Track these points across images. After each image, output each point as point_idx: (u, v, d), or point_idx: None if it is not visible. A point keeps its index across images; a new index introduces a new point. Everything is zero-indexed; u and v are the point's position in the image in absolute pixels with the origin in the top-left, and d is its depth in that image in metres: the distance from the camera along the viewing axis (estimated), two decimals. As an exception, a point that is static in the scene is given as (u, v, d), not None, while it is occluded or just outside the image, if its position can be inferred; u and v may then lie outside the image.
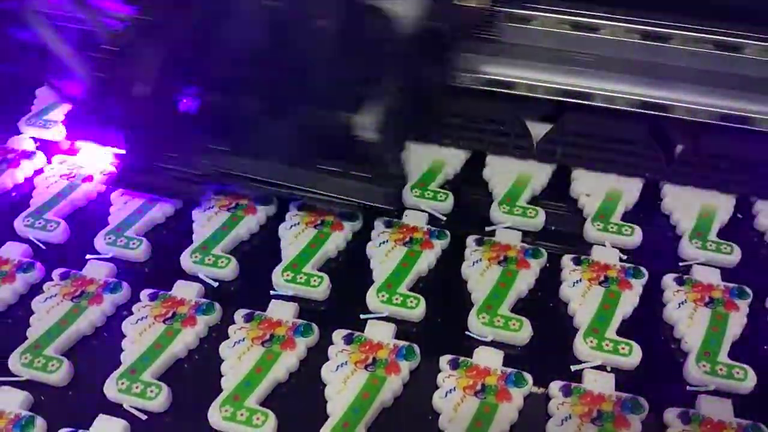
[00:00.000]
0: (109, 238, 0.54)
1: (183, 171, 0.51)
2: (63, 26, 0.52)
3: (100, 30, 0.49)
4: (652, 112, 0.57)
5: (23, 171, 0.60)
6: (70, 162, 0.61)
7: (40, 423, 0.43)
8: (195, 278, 0.52)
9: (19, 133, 0.65)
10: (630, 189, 0.59)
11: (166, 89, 0.49)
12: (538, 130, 0.61)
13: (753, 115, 0.55)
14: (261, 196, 0.56)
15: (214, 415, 0.43)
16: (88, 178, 0.59)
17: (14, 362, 0.46)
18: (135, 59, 0.47)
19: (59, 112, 0.66)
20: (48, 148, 0.63)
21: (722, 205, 0.57)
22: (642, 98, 0.57)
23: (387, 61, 0.46)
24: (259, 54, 0.47)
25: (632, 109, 0.57)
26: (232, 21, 0.47)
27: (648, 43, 0.55)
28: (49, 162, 0.61)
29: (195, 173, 0.52)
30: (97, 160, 0.61)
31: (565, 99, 0.58)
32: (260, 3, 0.45)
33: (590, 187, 0.59)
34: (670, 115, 0.57)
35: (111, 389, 0.44)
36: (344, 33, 0.45)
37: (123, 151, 0.54)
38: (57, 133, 0.64)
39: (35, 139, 0.64)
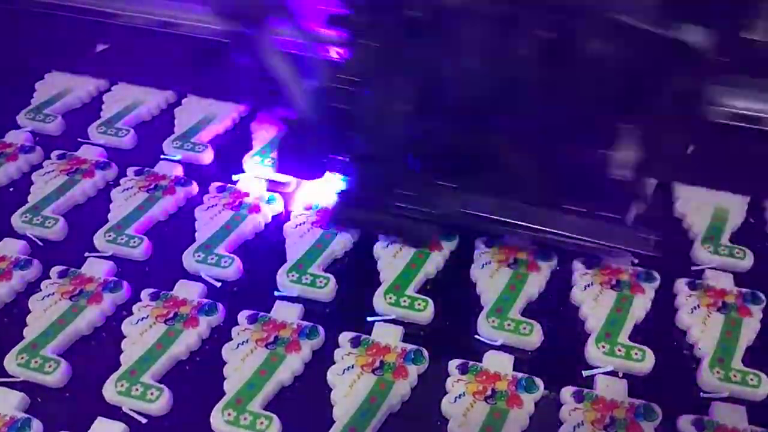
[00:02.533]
0: (110, 236, 0.53)
1: (414, 210, 0.48)
2: (288, 52, 0.48)
3: (318, 57, 0.47)
4: None
5: (21, 166, 0.59)
6: (70, 157, 0.59)
7: (36, 426, 0.42)
8: (197, 278, 0.51)
9: (17, 127, 0.63)
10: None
11: (407, 124, 0.45)
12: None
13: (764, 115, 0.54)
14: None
15: (217, 419, 0.42)
16: (88, 174, 0.58)
17: (10, 362, 0.44)
18: (380, 91, 0.44)
19: (60, 107, 0.65)
20: (47, 142, 0.62)
21: (735, 209, 0.56)
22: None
23: (664, 92, 0.41)
24: (509, 85, 0.42)
25: None
26: (471, 50, 0.42)
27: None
28: (47, 157, 0.60)
29: (429, 213, 0.48)
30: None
31: None
32: (527, 32, 0.40)
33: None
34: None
35: (110, 391, 0.43)
36: (616, 61, 0.40)
37: (344, 187, 0.51)
38: (56, 127, 0.63)
39: (34, 134, 0.63)
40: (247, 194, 0.56)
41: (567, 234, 0.47)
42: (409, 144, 0.47)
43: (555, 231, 0.47)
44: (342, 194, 0.51)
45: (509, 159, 0.46)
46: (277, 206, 0.56)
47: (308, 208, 0.55)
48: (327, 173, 0.52)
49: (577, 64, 0.40)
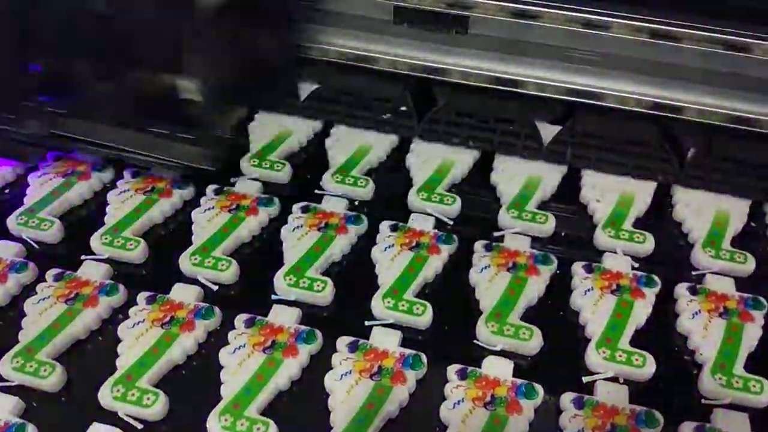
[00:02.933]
0: (106, 239, 0.52)
1: (15, 132, 0.52)
2: None
3: None
4: (664, 114, 0.56)
5: (17, 168, 0.59)
6: (66, 159, 0.59)
7: (31, 430, 0.41)
8: (194, 281, 0.50)
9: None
10: (641, 195, 0.57)
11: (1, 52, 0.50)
12: (548, 132, 0.60)
13: (765, 118, 0.54)
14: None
15: (213, 424, 0.42)
16: (85, 176, 0.57)
17: (5, 366, 0.44)
18: None
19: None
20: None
21: (735, 213, 0.56)
22: (653, 99, 0.56)
23: (206, 24, 0.46)
24: (79, 14, 0.47)
25: (643, 110, 0.56)
26: None
27: (659, 42, 0.54)
28: (44, 158, 0.59)
29: (27, 134, 0.52)
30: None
31: (575, 99, 0.57)
32: None
33: (601, 192, 0.57)
34: (682, 117, 0.56)
35: (106, 396, 0.43)
36: None
37: None
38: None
39: (30, 135, 0.62)
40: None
41: (138, 151, 0.52)
42: (7, 72, 0.52)
43: (129, 149, 0.52)
44: None
45: (92, 85, 0.50)
46: (275, 209, 0.55)
47: (394, 229, 0.54)
48: None
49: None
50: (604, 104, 0.57)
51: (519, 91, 0.58)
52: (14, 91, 0.52)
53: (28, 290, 0.49)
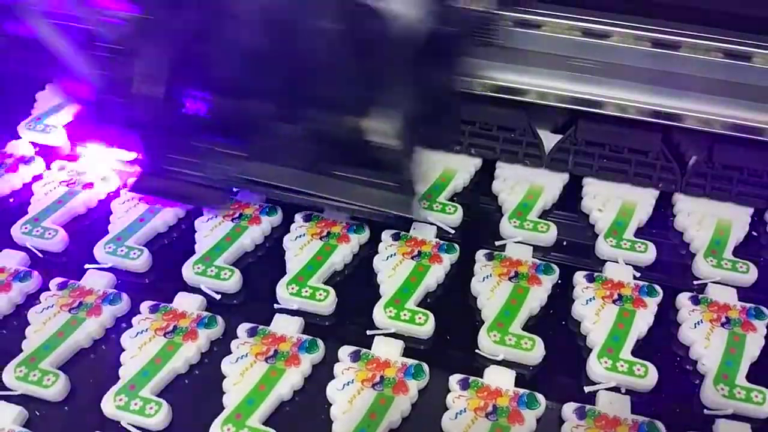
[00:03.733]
0: (109, 248, 0.52)
1: (198, 176, 0.50)
2: (65, 24, 0.50)
3: (102, 29, 0.47)
4: (665, 122, 0.56)
5: (21, 176, 0.59)
6: (70, 168, 0.59)
7: (34, 440, 0.41)
8: (197, 290, 0.50)
9: (18, 137, 0.63)
10: (643, 204, 0.57)
11: (175, 90, 0.47)
12: (550, 140, 0.60)
13: (765, 126, 0.54)
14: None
15: (216, 434, 0.42)
16: (89, 185, 0.58)
17: (8, 376, 0.44)
18: (142, 59, 0.46)
19: (59, 117, 0.65)
20: (47, 153, 0.62)
21: (737, 222, 0.56)
22: (654, 107, 0.56)
23: (394, 63, 0.45)
24: (265, 55, 0.45)
25: (644, 118, 0.56)
26: (234, 21, 0.45)
27: (659, 51, 0.54)
28: (48, 168, 0.60)
29: (211, 178, 0.50)
30: (102, 164, 0.60)
31: (576, 107, 0.57)
32: (260, 3, 0.44)
33: (603, 202, 0.57)
34: (683, 125, 0.56)
35: (109, 405, 0.43)
36: (345, 34, 0.43)
37: (135, 155, 0.53)
38: (57, 137, 0.63)
39: (34, 144, 0.63)
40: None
41: (333, 198, 0.49)
42: (182, 112, 0.49)
43: (322, 195, 0.49)
44: (135, 162, 0.53)
45: (279, 127, 0.48)
46: (277, 218, 0.56)
47: (396, 238, 0.54)
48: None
49: (303, 34, 0.43)
50: (605, 112, 0.57)
51: (520, 99, 0.58)
52: (193, 132, 0.50)
53: (31, 299, 0.50)
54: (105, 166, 0.59)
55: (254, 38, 0.44)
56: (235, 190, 0.56)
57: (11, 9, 0.49)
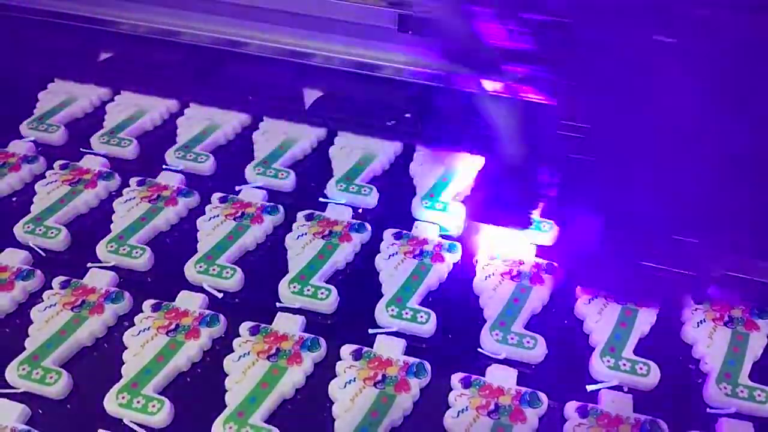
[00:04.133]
0: (112, 246, 0.52)
1: (668, 270, 0.43)
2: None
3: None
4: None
5: (24, 176, 0.59)
6: (72, 167, 0.59)
7: (36, 437, 0.41)
8: (199, 289, 0.50)
9: (20, 136, 0.63)
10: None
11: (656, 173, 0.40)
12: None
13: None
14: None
15: (218, 432, 0.42)
16: (91, 184, 0.58)
17: (11, 374, 0.44)
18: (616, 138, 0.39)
19: (63, 116, 0.65)
20: (50, 152, 0.62)
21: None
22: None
23: None
24: None
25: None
26: None
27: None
28: (50, 167, 0.60)
29: (688, 275, 0.44)
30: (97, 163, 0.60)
31: None
32: None
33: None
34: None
35: (111, 403, 0.43)
36: None
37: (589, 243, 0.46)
38: (59, 136, 0.63)
39: (37, 143, 0.63)
40: (249, 204, 0.56)
41: None
42: (652, 196, 0.41)
43: None
44: (569, 248, 0.47)
45: (756, 214, 0.39)
46: (279, 217, 0.56)
47: (398, 237, 0.53)
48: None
49: None
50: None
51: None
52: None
53: (34, 298, 0.50)
54: (102, 165, 0.59)
55: None
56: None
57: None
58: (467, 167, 0.59)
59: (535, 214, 0.50)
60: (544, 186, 0.47)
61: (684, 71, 0.37)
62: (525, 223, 0.50)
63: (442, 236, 0.54)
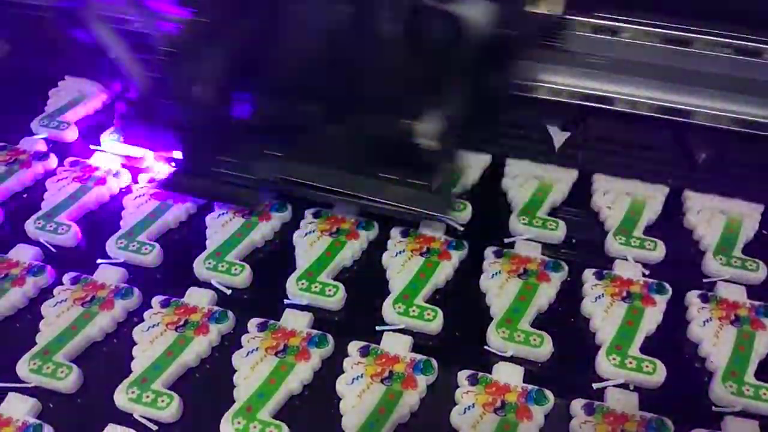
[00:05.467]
0: (121, 243, 0.53)
1: (239, 176, 0.50)
2: (118, 28, 0.52)
3: (155, 32, 0.48)
4: (675, 118, 0.56)
5: (35, 172, 0.60)
6: (82, 164, 0.60)
7: (47, 431, 0.42)
8: (208, 285, 0.51)
9: (31, 133, 0.64)
10: (653, 201, 0.57)
11: (224, 93, 0.47)
12: (560, 137, 0.61)
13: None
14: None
15: (226, 427, 0.42)
16: (101, 181, 0.58)
17: (22, 368, 0.45)
18: (193, 62, 0.46)
19: (74, 114, 0.65)
20: (60, 149, 0.62)
21: (747, 221, 0.56)
22: (664, 103, 0.56)
23: (453, 67, 0.45)
24: (320, 59, 0.45)
25: (654, 115, 0.57)
26: (291, 25, 0.45)
27: (669, 47, 0.54)
28: (61, 164, 0.60)
29: (252, 179, 0.50)
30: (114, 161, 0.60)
31: (587, 103, 0.57)
32: (320, 7, 0.44)
33: (612, 199, 0.57)
34: (692, 121, 0.56)
35: (121, 398, 0.43)
36: (410, 38, 0.43)
37: (174, 155, 0.53)
38: (70, 133, 0.63)
39: (47, 140, 0.63)
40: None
41: (380, 201, 0.50)
42: (229, 113, 0.49)
43: (362, 195, 0.50)
44: (176, 162, 0.53)
45: (325, 128, 0.48)
46: (287, 214, 0.56)
47: (405, 235, 0.54)
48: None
49: (376, 42, 0.43)
50: (615, 108, 0.57)
51: (531, 95, 0.58)
52: (240, 134, 0.51)
53: (45, 293, 0.50)
54: (116, 163, 0.60)
55: (312, 41, 0.45)
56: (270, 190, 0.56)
57: (70, 12, 0.50)
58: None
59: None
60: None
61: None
62: (161, 146, 0.55)
63: (449, 233, 0.55)
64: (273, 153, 0.51)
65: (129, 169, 0.60)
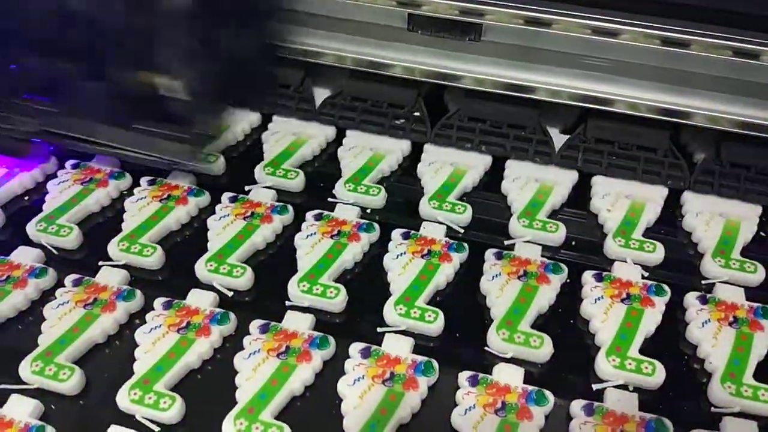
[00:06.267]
0: (123, 245, 0.53)
1: (4, 128, 0.54)
2: None
3: None
4: (673, 120, 0.57)
5: (37, 175, 0.60)
6: (84, 167, 0.60)
7: (50, 433, 0.42)
8: (210, 287, 0.51)
9: (33, 136, 0.64)
10: (652, 204, 0.58)
11: None
12: (560, 138, 0.61)
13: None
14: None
15: (228, 428, 0.42)
16: (102, 183, 0.58)
17: (25, 370, 0.45)
18: None
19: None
20: (61, 152, 0.62)
21: (746, 222, 0.56)
22: (663, 105, 0.57)
23: (171, 20, 0.47)
24: (66, 17, 0.48)
25: (653, 116, 0.57)
26: None
27: (668, 49, 0.54)
28: (62, 166, 0.60)
29: (19, 130, 0.54)
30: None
31: (586, 105, 0.58)
32: None
33: (612, 201, 0.58)
34: (691, 123, 0.57)
35: (123, 399, 0.44)
36: None
37: None
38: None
39: (48, 144, 0.63)
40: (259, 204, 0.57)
41: (128, 148, 0.54)
42: None
43: (119, 146, 0.54)
44: None
45: (84, 84, 0.51)
46: (288, 217, 0.56)
47: (406, 237, 0.55)
48: None
49: None
50: (615, 110, 0.58)
51: (531, 96, 0.59)
52: (3, 90, 0.55)
53: (47, 295, 0.50)
54: (113, 165, 0.60)
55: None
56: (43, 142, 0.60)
57: None
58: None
59: None
60: None
61: None
62: None
63: (450, 236, 0.55)
64: (36, 107, 0.54)
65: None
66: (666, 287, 0.51)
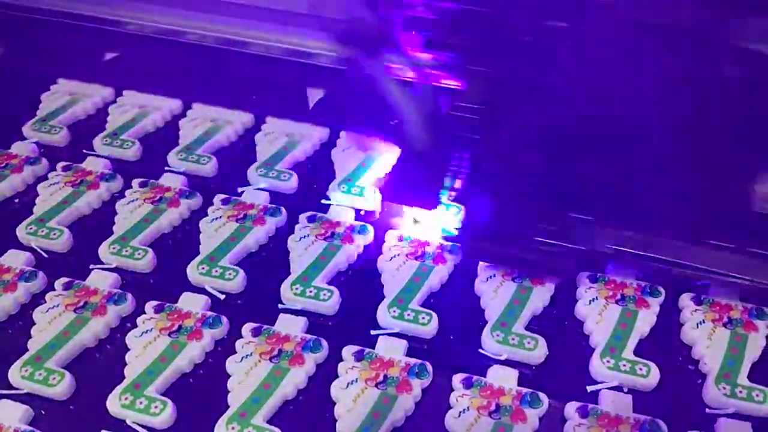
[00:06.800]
0: (114, 248, 0.53)
1: (561, 246, 0.46)
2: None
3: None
4: None
5: (26, 177, 0.59)
6: (75, 169, 0.59)
7: (40, 438, 0.42)
8: (201, 290, 0.51)
9: (23, 138, 0.63)
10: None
11: (550, 154, 0.43)
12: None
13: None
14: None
15: (220, 432, 0.42)
16: (93, 186, 0.58)
17: (14, 375, 0.44)
18: (510, 123, 0.42)
19: (65, 118, 0.65)
20: (52, 154, 0.62)
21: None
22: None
23: None
24: (658, 114, 0.40)
25: None
26: (624, 77, 0.40)
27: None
28: (53, 168, 0.60)
29: (572, 247, 0.46)
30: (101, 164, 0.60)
31: None
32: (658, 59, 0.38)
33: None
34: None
35: (114, 404, 0.43)
36: (748, 83, 0.38)
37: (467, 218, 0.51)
38: (61, 138, 0.63)
39: (39, 145, 0.63)
40: (252, 206, 0.56)
41: (717, 270, 0.45)
42: (547, 176, 0.45)
43: (705, 267, 0.45)
44: (471, 227, 0.49)
45: (652, 193, 0.43)
46: (281, 219, 0.56)
47: (400, 239, 0.54)
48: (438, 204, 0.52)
49: (703, 86, 0.38)
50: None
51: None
52: (565, 203, 0.46)
53: (37, 299, 0.50)
54: (104, 167, 0.60)
55: (648, 94, 0.39)
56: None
57: (362, 64, 0.48)
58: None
59: (444, 196, 0.52)
60: (451, 168, 0.50)
61: (577, 61, 0.41)
62: (432, 204, 0.52)
63: (444, 237, 0.55)
64: (585, 217, 0.45)
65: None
66: (660, 288, 0.51)
